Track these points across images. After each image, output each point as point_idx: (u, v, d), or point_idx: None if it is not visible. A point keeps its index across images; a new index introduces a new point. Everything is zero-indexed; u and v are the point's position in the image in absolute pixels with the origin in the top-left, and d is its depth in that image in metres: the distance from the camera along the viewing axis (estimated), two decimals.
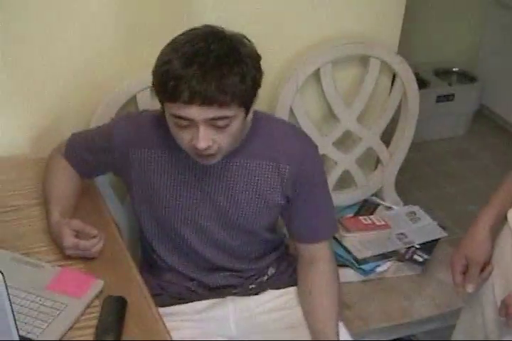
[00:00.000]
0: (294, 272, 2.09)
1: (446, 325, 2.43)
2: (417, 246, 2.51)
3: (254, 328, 2.03)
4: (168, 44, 1.70)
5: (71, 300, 1.73)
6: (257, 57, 1.71)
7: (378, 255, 2.43)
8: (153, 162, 1.90)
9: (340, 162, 2.65)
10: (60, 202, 1.97)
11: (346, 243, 2.43)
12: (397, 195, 2.83)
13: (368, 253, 2.42)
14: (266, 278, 2.07)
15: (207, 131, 1.67)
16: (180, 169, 1.88)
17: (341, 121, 2.62)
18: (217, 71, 1.61)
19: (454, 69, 4.64)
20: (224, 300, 2.04)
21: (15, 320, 1.41)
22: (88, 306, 1.73)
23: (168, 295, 2.03)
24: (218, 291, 2.04)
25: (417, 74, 2.72)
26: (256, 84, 1.70)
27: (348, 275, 2.39)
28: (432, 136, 4.40)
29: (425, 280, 2.49)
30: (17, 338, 1.45)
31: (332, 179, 2.64)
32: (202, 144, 1.68)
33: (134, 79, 2.28)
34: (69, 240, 1.83)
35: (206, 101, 1.61)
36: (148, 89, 2.26)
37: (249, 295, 2.06)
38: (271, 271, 2.07)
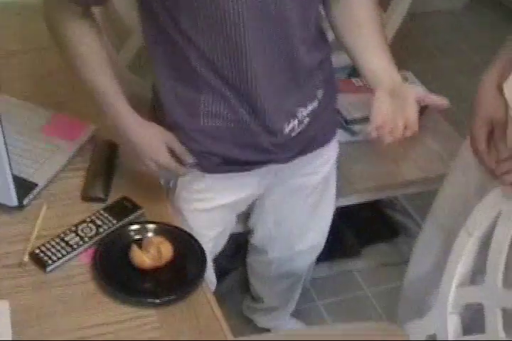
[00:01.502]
0: (335, 116, 1.94)
1: (428, 189, 2.50)
2: None
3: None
4: None
5: (63, 142, 1.77)
6: None
7: (367, 117, 2.45)
8: None
9: None
10: (118, 89, 1.61)
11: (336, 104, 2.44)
12: None
13: (358, 115, 2.45)
14: (317, 103, 1.76)
15: None
16: None
17: None
18: None
19: None
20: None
21: (9, 159, 1.46)
22: (80, 149, 1.77)
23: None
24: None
25: None
26: None
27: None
28: (429, 8, 4.34)
29: (411, 144, 2.53)
30: (11, 176, 1.50)
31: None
32: None
33: None
34: (164, 157, 1.63)
35: None
36: None
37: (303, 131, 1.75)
38: (320, 93, 1.77)
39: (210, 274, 2.01)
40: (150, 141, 1.62)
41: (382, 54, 1.71)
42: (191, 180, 1.73)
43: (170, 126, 1.65)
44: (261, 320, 2.56)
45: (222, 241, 2.02)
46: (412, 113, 1.64)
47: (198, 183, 1.74)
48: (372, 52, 1.72)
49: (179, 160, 1.65)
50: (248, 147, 1.69)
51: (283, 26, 1.53)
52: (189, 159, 1.65)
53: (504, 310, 1.66)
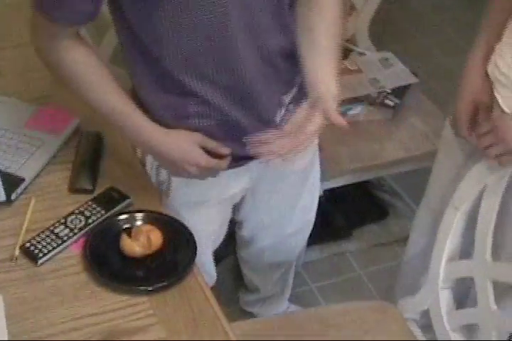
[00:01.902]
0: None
1: (414, 167, 2.51)
2: (389, 91, 2.54)
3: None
4: None
5: (48, 136, 1.76)
6: None
7: (350, 98, 2.47)
8: None
9: None
10: (131, 105, 1.56)
11: None
12: (370, 41, 2.84)
13: (340, 97, 2.45)
14: (296, 88, 1.73)
15: None
16: None
17: None
18: None
19: None
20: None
21: None
22: (65, 142, 1.77)
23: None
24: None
25: None
26: None
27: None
28: None
29: (395, 124, 2.54)
30: None
31: None
32: None
33: None
34: (203, 157, 1.59)
35: None
36: None
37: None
38: (298, 78, 1.71)
39: (210, 268, 2.04)
40: (181, 146, 1.59)
41: (322, 63, 1.63)
42: (186, 181, 1.72)
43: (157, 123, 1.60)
44: (260, 311, 2.55)
45: (223, 233, 2.03)
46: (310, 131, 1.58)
47: (193, 182, 1.72)
48: (313, 59, 1.63)
49: (215, 155, 1.62)
50: (240, 141, 1.66)
51: (260, 12, 1.51)
52: (226, 150, 1.63)
53: (495, 283, 1.68)
